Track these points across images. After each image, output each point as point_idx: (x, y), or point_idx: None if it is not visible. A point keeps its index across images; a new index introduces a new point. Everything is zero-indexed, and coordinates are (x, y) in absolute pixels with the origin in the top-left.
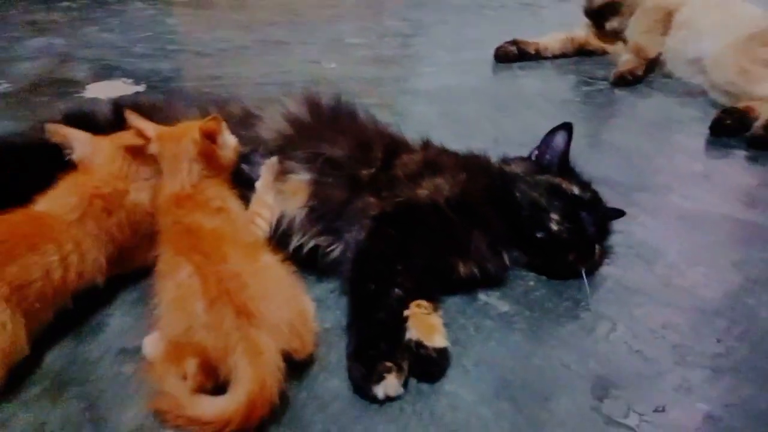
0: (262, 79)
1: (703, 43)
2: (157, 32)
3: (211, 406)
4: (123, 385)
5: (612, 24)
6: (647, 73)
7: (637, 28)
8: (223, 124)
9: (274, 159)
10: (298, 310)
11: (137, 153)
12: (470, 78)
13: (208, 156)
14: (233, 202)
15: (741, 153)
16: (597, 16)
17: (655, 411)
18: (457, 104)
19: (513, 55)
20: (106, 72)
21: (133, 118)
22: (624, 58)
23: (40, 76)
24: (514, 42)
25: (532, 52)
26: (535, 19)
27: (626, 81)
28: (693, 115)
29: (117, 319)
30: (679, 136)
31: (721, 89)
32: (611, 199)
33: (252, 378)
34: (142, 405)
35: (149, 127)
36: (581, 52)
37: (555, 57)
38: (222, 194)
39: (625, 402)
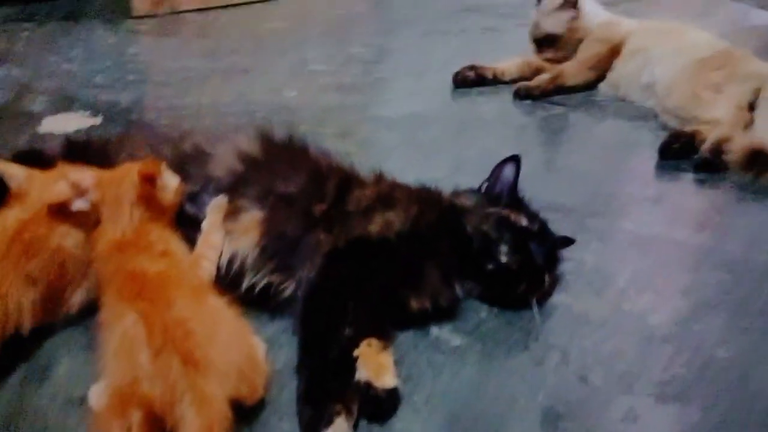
0: (224, 109)
1: (654, 69)
2: (119, 62)
3: None
4: None
5: (547, 54)
6: (558, 93)
7: (578, 56)
8: (163, 166)
9: (221, 198)
10: (247, 354)
11: (61, 208)
12: (431, 104)
13: (148, 199)
14: (177, 245)
15: (690, 176)
16: (537, 44)
17: None
18: (418, 131)
19: (471, 81)
20: (64, 104)
21: (68, 171)
22: (542, 77)
23: None
24: (472, 67)
25: (490, 76)
26: (497, 44)
27: (522, 96)
28: (645, 138)
29: (64, 366)
30: (632, 159)
31: (672, 113)
32: (564, 226)
33: (199, 429)
34: None
35: (86, 177)
36: (538, 75)
37: (513, 81)
38: (165, 237)
39: None
